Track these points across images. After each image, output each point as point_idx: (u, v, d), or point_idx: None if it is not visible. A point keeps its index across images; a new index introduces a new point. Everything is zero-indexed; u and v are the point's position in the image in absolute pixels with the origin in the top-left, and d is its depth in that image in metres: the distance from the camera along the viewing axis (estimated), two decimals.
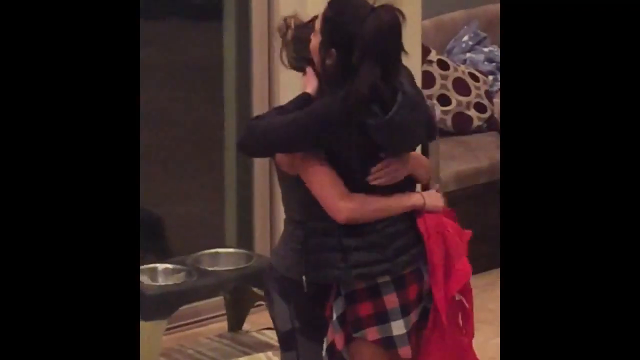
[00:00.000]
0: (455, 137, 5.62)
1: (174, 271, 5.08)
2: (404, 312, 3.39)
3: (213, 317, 5.40)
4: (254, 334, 5.17)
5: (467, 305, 3.54)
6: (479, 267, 4.95)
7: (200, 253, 5.09)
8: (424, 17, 5.26)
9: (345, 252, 3.36)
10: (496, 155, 4.95)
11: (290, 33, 3.49)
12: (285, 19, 3.54)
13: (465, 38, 5.95)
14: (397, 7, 3.35)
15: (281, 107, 3.41)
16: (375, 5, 3.31)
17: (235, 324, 5.28)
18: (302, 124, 3.31)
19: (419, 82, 4.64)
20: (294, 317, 3.52)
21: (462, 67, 5.74)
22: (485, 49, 5.90)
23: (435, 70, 5.65)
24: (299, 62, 3.48)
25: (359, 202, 3.31)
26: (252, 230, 5.10)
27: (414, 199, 3.39)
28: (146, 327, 4.63)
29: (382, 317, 3.40)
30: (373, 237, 3.39)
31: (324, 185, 3.34)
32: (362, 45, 3.18)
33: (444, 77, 5.71)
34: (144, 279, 4.87)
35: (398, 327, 3.39)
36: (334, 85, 3.26)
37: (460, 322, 3.55)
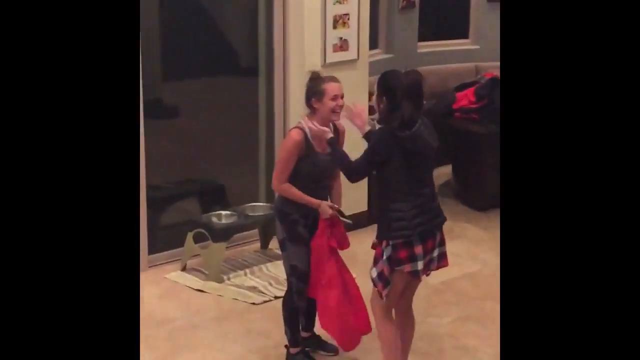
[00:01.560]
0: None
1: (231, 215, 6.96)
2: (424, 256, 4.77)
3: (252, 241, 7.33)
4: (275, 250, 6.90)
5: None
6: None
7: (245, 205, 7.08)
8: (369, 75, 7.32)
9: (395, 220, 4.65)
10: None
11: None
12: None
13: None
14: (417, 70, 4.70)
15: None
16: (406, 70, 4.64)
17: (264, 244, 7.25)
18: (370, 152, 4.62)
19: (366, 113, 6.61)
20: (283, 232, 5.20)
21: None
22: None
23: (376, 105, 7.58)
24: (307, 102, 5.10)
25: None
26: (273, 192, 5.62)
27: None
28: (215, 246, 6.70)
29: (413, 259, 4.75)
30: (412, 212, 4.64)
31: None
32: (402, 92, 4.50)
33: None
34: (214, 219, 6.81)
35: (420, 265, 4.75)
36: (383, 120, 4.61)
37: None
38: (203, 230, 6.85)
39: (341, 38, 7.15)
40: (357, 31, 7.22)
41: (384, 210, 4.73)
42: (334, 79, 5.21)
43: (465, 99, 8.09)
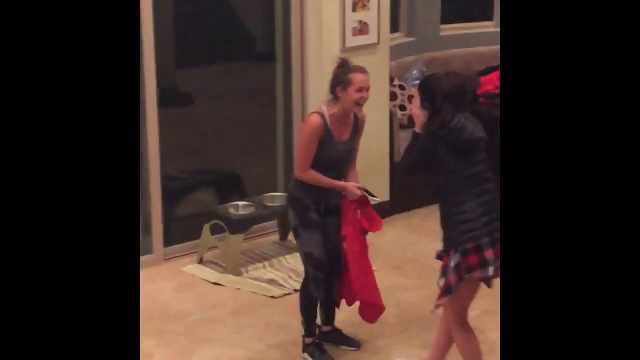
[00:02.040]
0: (408, 128, 7.16)
1: (248, 206, 6.96)
2: (495, 260, 4.63)
3: (270, 232, 7.39)
4: (293, 241, 6.21)
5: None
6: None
7: (263, 195, 7.07)
8: (390, 60, 7.51)
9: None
10: None
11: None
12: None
13: (415, 72, 8.08)
14: (459, 73, 5.03)
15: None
16: (447, 72, 4.72)
17: (283, 235, 7.32)
18: (418, 151, 4.64)
19: (387, 98, 7.03)
20: (295, 218, 5.28)
21: (413, 89, 7.19)
22: None
23: (397, 90, 7.77)
24: (332, 89, 5.10)
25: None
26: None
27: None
28: (232, 238, 6.72)
29: (484, 264, 4.65)
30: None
31: None
32: (442, 96, 4.57)
33: (402, 94, 7.81)
34: (231, 210, 6.84)
35: (491, 270, 4.65)
36: (424, 127, 4.64)
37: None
38: (220, 222, 6.88)
39: (361, 21, 7.14)
40: (377, 14, 7.22)
41: (449, 216, 4.72)
42: (362, 70, 5.19)
43: (490, 83, 8.05)
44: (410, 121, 7.54)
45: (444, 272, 4.76)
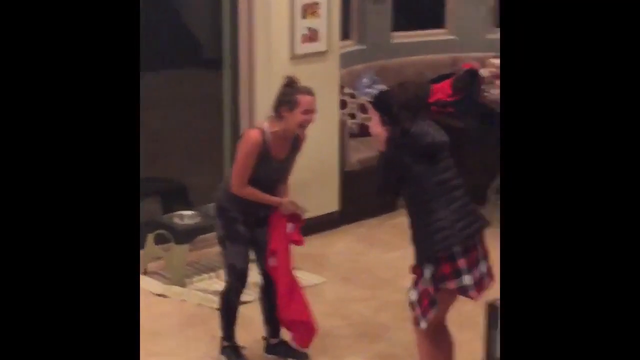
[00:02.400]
0: (359, 137, 7.76)
1: (194, 216, 6.98)
2: (470, 270, 4.63)
3: (216, 242, 6.40)
4: None
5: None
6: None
7: (208, 205, 6.59)
8: (340, 68, 7.54)
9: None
10: None
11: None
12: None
13: (365, 80, 8.16)
14: (412, 81, 5.16)
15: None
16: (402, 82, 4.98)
17: None
18: (385, 167, 4.70)
19: (337, 106, 7.05)
20: (222, 229, 5.35)
21: (363, 97, 7.78)
22: (377, 87, 7.63)
23: (347, 98, 7.92)
24: (276, 108, 5.10)
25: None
26: None
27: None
28: (177, 249, 6.74)
29: (457, 273, 4.63)
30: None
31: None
32: (398, 105, 4.62)
33: (353, 103, 7.96)
34: (176, 220, 6.85)
35: (467, 279, 4.63)
36: (389, 136, 4.62)
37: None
38: (164, 232, 6.87)
39: (310, 28, 7.15)
40: (327, 21, 7.23)
41: (421, 227, 4.69)
42: (309, 92, 5.20)
43: (442, 91, 8.11)
44: (361, 130, 7.71)
45: (415, 283, 4.74)
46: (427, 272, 4.65)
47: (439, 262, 4.61)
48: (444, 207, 4.64)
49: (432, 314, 4.70)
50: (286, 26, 7.02)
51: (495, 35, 8.82)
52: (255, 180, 5.23)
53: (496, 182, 7.49)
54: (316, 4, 7.09)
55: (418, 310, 4.72)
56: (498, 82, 7.70)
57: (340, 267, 6.99)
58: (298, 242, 5.45)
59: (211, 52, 7.54)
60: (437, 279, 4.64)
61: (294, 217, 5.38)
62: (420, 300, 4.71)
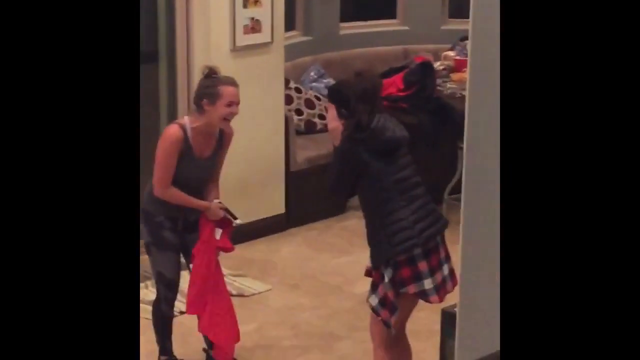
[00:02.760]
0: (305, 135, 7.79)
1: None
2: (431, 274, 4.61)
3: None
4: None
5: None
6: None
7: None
8: (285, 61, 7.49)
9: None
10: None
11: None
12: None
13: (312, 73, 8.22)
14: (373, 74, 5.22)
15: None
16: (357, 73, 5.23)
17: None
18: (339, 161, 4.64)
19: (282, 102, 7.05)
20: (148, 235, 5.20)
21: (310, 92, 7.87)
22: (325, 81, 8.01)
23: (293, 93, 7.86)
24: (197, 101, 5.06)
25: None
26: None
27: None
28: None
29: (418, 277, 4.60)
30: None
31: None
32: (354, 98, 4.59)
33: (299, 98, 7.92)
34: None
35: (428, 284, 4.60)
36: (344, 129, 4.58)
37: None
38: None
39: (253, 18, 7.08)
40: (271, 10, 7.18)
41: (380, 228, 4.61)
42: (232, 82, 5.08)
43: (392, 86, 7.97)
44: (308, 127, 7.77)
45: (374, 287, 4.68)
46: (386, 276, 4.60)
47: (398, 265, 4.55)
48: (404, 207, 4.58)
49: (392, 321, 4.64)
50: (227, 16, 6.96)
51: (451, 26, 8.81)
52: (179, 181, 5.10)
53: (453, 182, 7.48)
54: None
55: (384, 314, 4.66)
56: (453, 75, 7.66)
57: (287, 273, 6.97)
58: (227, 249, 5.34)
59: (146, 45, 7.30)
60: (397, 283, 4.58)
61: (223, 222, 5.27)
62: (383, 303, 4.66)
